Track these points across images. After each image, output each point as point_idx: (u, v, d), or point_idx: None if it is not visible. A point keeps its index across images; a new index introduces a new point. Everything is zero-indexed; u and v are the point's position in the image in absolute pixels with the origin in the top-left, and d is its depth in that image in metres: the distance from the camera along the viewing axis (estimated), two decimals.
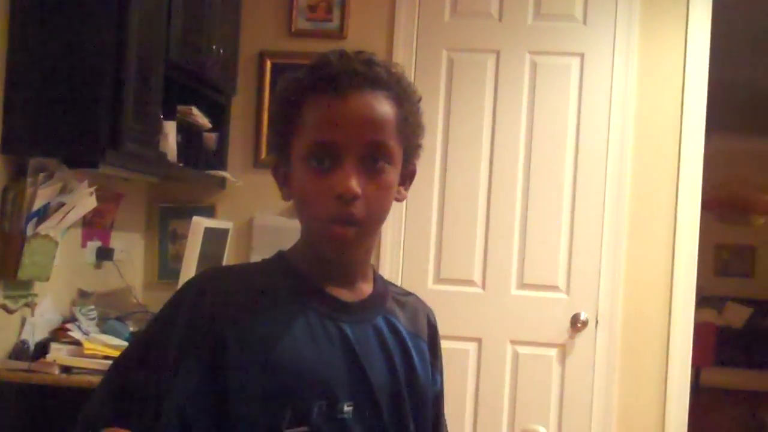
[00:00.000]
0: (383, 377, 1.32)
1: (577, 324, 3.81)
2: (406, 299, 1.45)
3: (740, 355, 7.98)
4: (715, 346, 7.40)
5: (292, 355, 1.25)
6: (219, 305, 1.25)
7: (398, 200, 1.34)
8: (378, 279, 1.42)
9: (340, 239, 1.25)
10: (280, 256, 1.37)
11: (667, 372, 3.80)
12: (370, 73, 1.27)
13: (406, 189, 1.37)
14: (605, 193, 3.84)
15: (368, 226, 1.28)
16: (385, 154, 1.27)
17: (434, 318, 1.48)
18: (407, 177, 1.36)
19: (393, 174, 1.29)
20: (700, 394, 4.00)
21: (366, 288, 1.38)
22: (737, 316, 8.41)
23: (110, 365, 1.32)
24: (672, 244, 3.82)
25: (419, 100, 1.36)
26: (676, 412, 3.80)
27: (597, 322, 3.82)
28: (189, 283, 1.34)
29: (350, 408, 1.27)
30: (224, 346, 1.23)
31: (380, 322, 1.36)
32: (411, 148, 1.34)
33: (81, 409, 1.27)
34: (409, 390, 1.35)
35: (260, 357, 1.23)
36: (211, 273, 1.38)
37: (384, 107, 1.27)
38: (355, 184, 1.23)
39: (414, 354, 1.38)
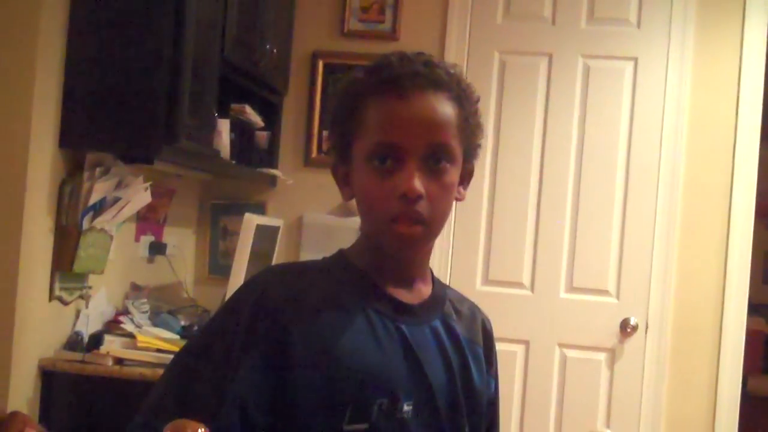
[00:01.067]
0: (441, 379, 1.33)
1: (626, 329, 3.77)
2: (463, 304, 1.46)
3: None
4: (763, 354, 7.29)
5: (354, 353, 1.25)
6: (282, 302, 1.26)
7: (458, 200, 1.35)
8: (436, 281, 1.42)
9: (405, 238, 1.26)
10: (341, 255, 1.37)
11: (717, 379, 3.75)
12: (431, 75, 1.28)
13: (465, 189, 1.38)
14: (657, 197, 3.80)
15: (432, 225, 1.28)
16: (447, 155, 1.28)
17: (490, 325, 1.49)
18: (466, 177, 1.37)
19: (454, 174, 1.30)
20: (747, 402, 3.92)
21: (425, 290, 1.38)
22: None
23: (172, 359, 1.32)
24: (724, 250, 3.77)
25: (478, 100, 1.36)
26: (726, 421, 3.74)
27: (647, 327, 3.78)
28: (251, 280, 1.34)
29: (409, 408, 1.28)
30: (287, 342, 1.23)
31: (438, 324, 1.37)
32: (470, 148, 1.35)
33: (143, 401, 1.28)
34: (465, 393, 1.36)
35: (322, 354, 1.24)
36: (273, 270, 1.39)
37: (446, 108, 1.28)
38: (418, 184, 1.24)
39: (470, 358, 1.39)
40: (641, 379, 3.78)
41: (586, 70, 3.87)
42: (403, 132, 1.25)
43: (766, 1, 3.76)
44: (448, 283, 1.48)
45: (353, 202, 1.33)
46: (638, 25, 3.85)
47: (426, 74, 1.28)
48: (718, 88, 3.79)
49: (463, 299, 1.47)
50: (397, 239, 1.27)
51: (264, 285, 1.30)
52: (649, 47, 3.83)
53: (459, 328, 1.39)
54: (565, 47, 3.88)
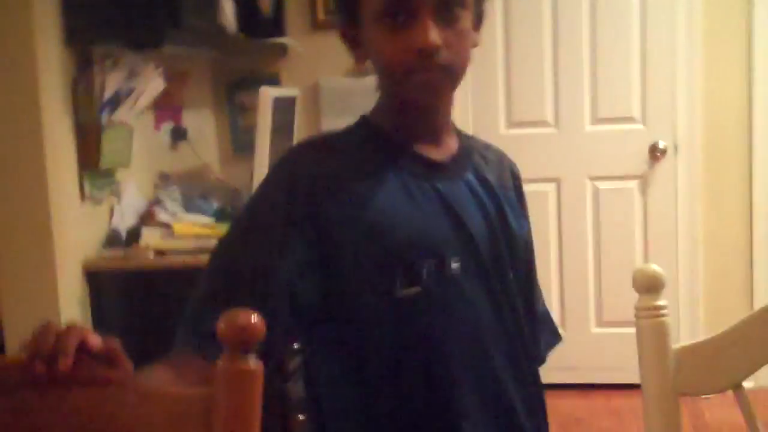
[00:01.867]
0: (482, 231, 1.33)
1: (656, 153, 3.76)
2: (490, 151, 1.46)
3: None
4: None
5: (394, 217, 1.26)
6: (313, 180, 1.25)
7: (473, 46, 1.32)
8: (461, 133, 1.42)
9: (428, 85, 1.25)
10: (364, 120, 1.36)
11: (751, 194, 3.76)
12: None
13: (478, 33, 1.35)
14: (675, 15, 3.70)
15: (454, 73, 1.27)
16: (456, 4, 1.25)
17: (517, 169, 1.49)
18: (477, 21, 1.34)
19: (468, 19, 1.28)
20: None
21: (452, 144, 1.38)
22: None
23: (214, 248, 1.32)
24: (749, 64, 3.71)
25: None
26: (765, 232, 3.75)
27: (676, 149, 3.77)
28: (280, 161, 1.34)
29: (457, 264, 1.28)
30: (326, 218, 1.24)
31: (471, 176, 1.37)
32: None
33: (190, 292, 1.27)
34: (506, 240, 1.36)
35: (363, 222, 1.24)
36: (299, 149, 1.37)
37: None
38: (435, 36, 1.22)
39: (505, 204, 1.39)
40: (675, 202, 3.79)
41: None
42: None
43: None
44: (471, 131, 1.46)
45: (369, 63, 1.31)
46: None
47: None
48: None
49: (488, 146, 1.47)
50: (421, 88, 1.26)
51: (293, 164, 1.30)
52: None
53: (490, 177, 1.40)
54: None
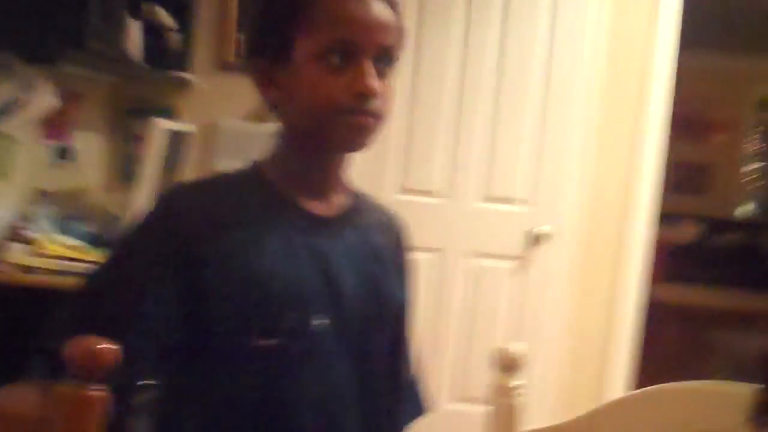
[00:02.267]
0: (354, 291, 1.33)
1: (537, 237, 3.83)
2: (379, 214, 1.46)
3: (691, 271, 8.10)
4: (667, 262, 7.51)
5: (266, 269, 1.25)
6: (191, 223, 1.25)
7: None
8: (355, 192, 1.42)
9: (359, 128, 1.27)
10: (254, 167, 1.36)
11: (615, 287, 3.87)
12: None
13: None
14: (573, 105, 3.82)
15: (380, 123, 1.29)
16: (392, 57, 1.30)
17: (405, 234, 1.49)
18: None
19: (392, 77, 1.32)
20: (654, 310, 4.05)
21: (340, 200, 1.38)
22: (688, 232, 8.49)
23: (84, 279, 1.29)
24: (637, 159, 3.84)
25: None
26: (625, 328, 3.88)
27: (556, 235, 3.84)
28: (160, 199, 1.32)
29: (321, 321, 1.28)
30: (198, 264, 1.22)
31: (353, 236, 1.37)
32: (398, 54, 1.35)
33: (43, 324, 1.24)
34: (381, 304, 1.37)
35: (235, 272, 1.23)
36: (181, 189, 1.36)
37: (389, 11, 1.29)
38: (375, 82, 1.26)
39: (386, 268, 1.40)
40: (546, 288, 3.86)
41: None
42: (362, 30, 1.25)
43: None
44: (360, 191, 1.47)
45: (276, 108, 1.32)
46: None
47: None
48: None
49: (378, 207, 1.47)
50: (354, 130, 1.27)
51: (173, 202, 1.29)
52: None
53: (376, 239, 1.40)
54: None
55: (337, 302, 1.30)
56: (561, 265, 3.86)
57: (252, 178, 1.34)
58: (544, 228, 3.82)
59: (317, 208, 1.34)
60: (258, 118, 3.67)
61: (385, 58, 1.28)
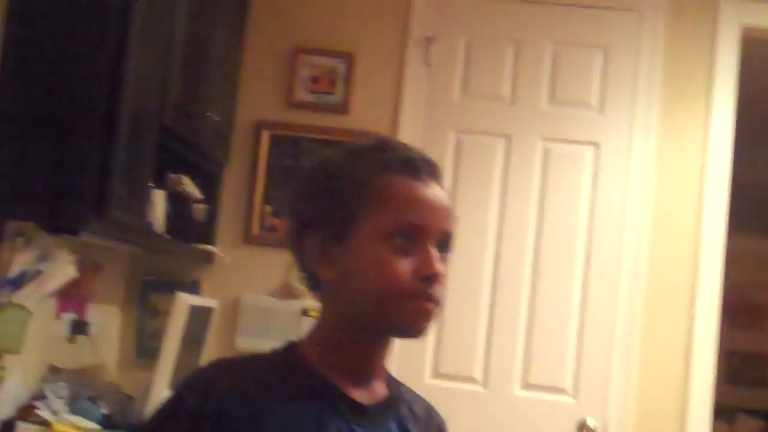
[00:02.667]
0: None
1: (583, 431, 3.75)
2: (419, 404, 1.46)
3: None
4: None
5: None
6: (226, 402, 1.25)
7: None
8: (391, 379, 1.43)
9: (424, 314, 1.29)
10: (293, 348, 1.37)
11: None
12: (434, 164, 1.37)
13: None
14: (618, 291, 3.81)
15: (439, 309, 1.32)
16: (451, 244, 1.35)
17: (446, 427, 1.49)
18: None
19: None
20: None
21: (380, 388, 1.38)
22: (748, 429, 8.26)
23: None
24: (688, 349, 3.80)
25: None
26: None
27: (602, 430, 3.76)
28: (193, 377, 1.33)
29: None
30: None
31: (393, 427, 1.36)
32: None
33: None
34: None
35: None
36: (217, 366, 1.36)
37: (448, 199, 1.36)
38: (441, 267, 1.30)
39: None
40: None
41: (546, 154, 3.91)
42: (429, 214, 1.31)
43: (731, 86, 3.86)
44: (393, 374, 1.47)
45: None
46: (600, 109, 3.91)
47: (433, 163, 1.36)
48: (683, 177, 3.86)
49: (418, 399, 1.47)
50: (417, 315, 1.29)
51: (207, 384, 1.28)
52: (611, 132, 3.90)
53: (415, 430, 1.39)
54: (524, 128, 3.93)
55: None
56: None
57: (290, 358, 1.35)
58: (590, 421, 3.75)
59: (359, 395, 1.34)
60: (283, 294, 3.71)
61: (445, 243, 1.33)
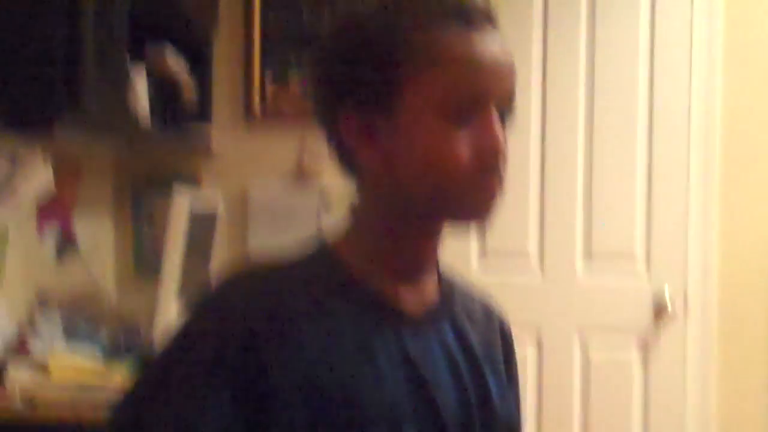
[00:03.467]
0: (453, 401, 1.33)
1: (660, 308, 3.74)
2: (476, 301, 1.47)
3: None
4: None
5: (345, 377, 1.24)
6: (253, 321, 1.23)
7: None
8: (443, 274, 1.42)
9: (493, 192, 1.26)
10: (324, 249, 1.34)
11: None
12: (489, 7, 1.29)
13: None
14: (689, 135, 3.77)
15: (505, 182, 1.29)
16: (513, 107, 1.29)
17: (509, 327, 1.51)
18: None
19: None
20: None
21: (431, 287, 1.38)
22: None
23: (117, 401, 1.27)
24: None
25: None
26: None
27: (686, 303, 3.75)
28: (213, 294, 1.29)
29: None
30: (262, 371, 1.20)
31: (448, 333, 1.37)
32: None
33: None
34: (482, 414, 1.36)
35: (307, 381, 1.22)
36: (238, 281, 1.32)
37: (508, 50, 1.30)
38: (504, 139, 1.25)
39: (487, 371, 1.40)
40: (683, 374, 3.75)
41: None
42: (490, 76, 1.24)
43: None
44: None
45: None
46: None
47: (485, 5, 1.29)
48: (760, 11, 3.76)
49: (474, 295, 1.48)
50: (482, 195, 1.25)
51: (230, 300, 1.26)
52: None
53: (473, 337, 1.40)
54: None
55: (431, 413, 1.29)
56: (696, 343, 3.76)
57: (323, 261, 1.32)
58: (666, 291, 3.75)
59: (407, 297, 1.33)
60: (298, 177, 3.68)
61: (507, 107, 1.28)
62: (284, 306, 1.25)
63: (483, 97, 1.23)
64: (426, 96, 1.23)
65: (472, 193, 1.25)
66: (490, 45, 1.25)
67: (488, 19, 1.27)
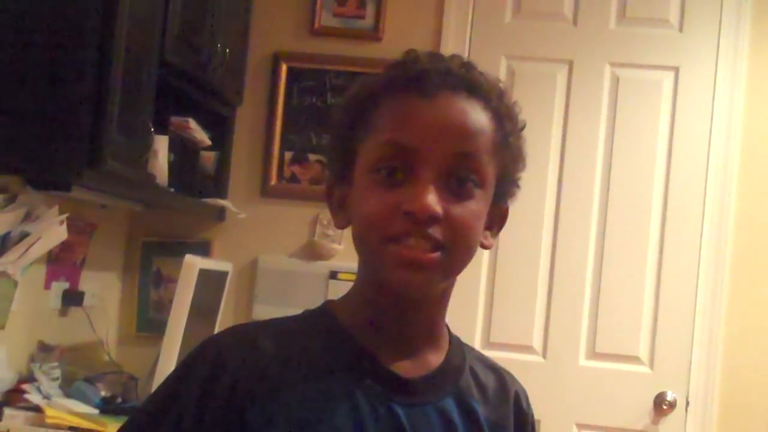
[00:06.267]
0: None
1: (662, 405, 3.76)
2: (490, 373, 1.40)
3: None
4: None
5: (319, 424, 1.22)
6: (241, 377, 1.23)
7: (483, 246, 1.32)
8: (455, 344, 1.37)
9: (411, 262, 1.21)
10: (326, 309, 1.34)
11: None
12: (467, 76, 1.27)
13: (494, 235, 1.35)
14: (701, 242, 3.81)
15: (453, 254, 1.23)
16: (475, 173, 1.24)
17: (527, 401, 1.43)
18: (497, 219, 1.34)
19: (482, 202, 1.27)
20: None
21: (434, 358, 1.33)
22: None
23: None
24: None
25: (523, 126, 1.35)
26: None
27: (687, 403, 3.77)
28: (208, 340, 1.32)
29: None
30: (246, 425, 1.21)
31: (450, 404, 1.30)
32: (507, 180, 1.32)
33: None
34: None
35: (283, 421, 1.21)
36: (237, 329, 1.35)
37: (480, 117, 1.26)
38: (433, 200, 1.19)
39: None
40: None
41: (615, 81, 3.89)
42: (421, 133, 1.22)
43: None
44: None
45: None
46: (680, 27, 3.88)
47: (461, 74, 1.27)
48: None
49: (489, 367, 1.41)
50: (399, 263, 1.21)
51: (222, 348, 1.27)
52: (693, 54, 3.87)
53: (481, 409, 1.34)
54: (590, 53, 3.90)
55: None
56: None
57: (322, 321, 1.32)
58: (672, 394, 3.77)
59: (403, 365, 1.29)
60: (308, 254, 3.74)
61: (464, 171, 1.23)
62: (271, 359, 1.25)
63: (413, 157, 1.21)
64: (363, 161, 1.25)
65: (392, 261, 1.21)
66: (436, 110, 1.23)
67: (452, 85, 1.25)
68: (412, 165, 1.21)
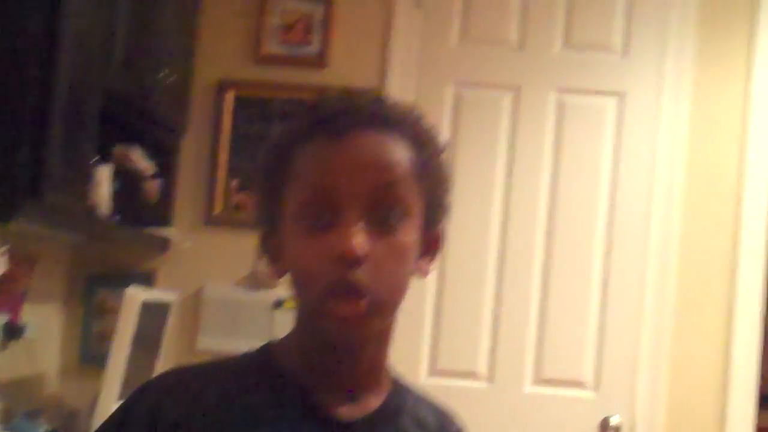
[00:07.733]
0: None
1: (607, 430, 3.76)
2: (429, 413, 1.39)
3: None
4: None
5: None
6: (180, 416, 1.24)
7: (420, 275, 1.32)
8: (395, 384, 1.37)
9: (344, 320, 1.21)
10: (265, 351, 1.34)
11: None
12: (377, 111, 1.28)
13: (430, 262, 1.34)
14: (646, 265, 3.82)
15: (380, 300, 1.22)
16: (398, 204, 1.25)
17: None
18: (430, 246, 1.34)
19: (411, 233, 1.27)
20: None
21: (373, 399, 1.32)
22: None
23: None
24: (728, 333, 3.80)
25: (443, 149, 1.34)
26: None
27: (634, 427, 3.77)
28: (145, 385, 1.32)
29: None
30: None
31: None
32: (435, 206, 1.32)
33: None
34: None
35: None
36: (173, 374, 1.34)
37: (395, 148, 1.27)
38: (358, 242, 1.19)
39: None
40: None
41: (561, 107, 3.90)
42: (337, 174, 1.23)
43: None
44: None
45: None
46: (624, 53, 3.90)
47: (370, 110, 1.28)
48: (721, 131, 3.84)
49: (428, 406, 1.41)
50: (335, 322, 1.22)
51: (160, 394, 1.27)
52: (637, 80, 3.89)
53: None
54: (536, 78, 3.91)
55: None
56: None
57: (260, 364, 1.32)
58: (614, 419, 3.76)
59: (341, 408, 1.29)
60: (252, 284, 3.71)
61: (386, 206, 1.23)
62: (211, 401, 1.25)
63: (335, 203, 1.21)
64: (289, 209, 1.26)
65: (326, 311, 1.22)
66: (349, 149, 1.24)
67: (362, 123, 1.26)
68: (336, 206, 1.22)
